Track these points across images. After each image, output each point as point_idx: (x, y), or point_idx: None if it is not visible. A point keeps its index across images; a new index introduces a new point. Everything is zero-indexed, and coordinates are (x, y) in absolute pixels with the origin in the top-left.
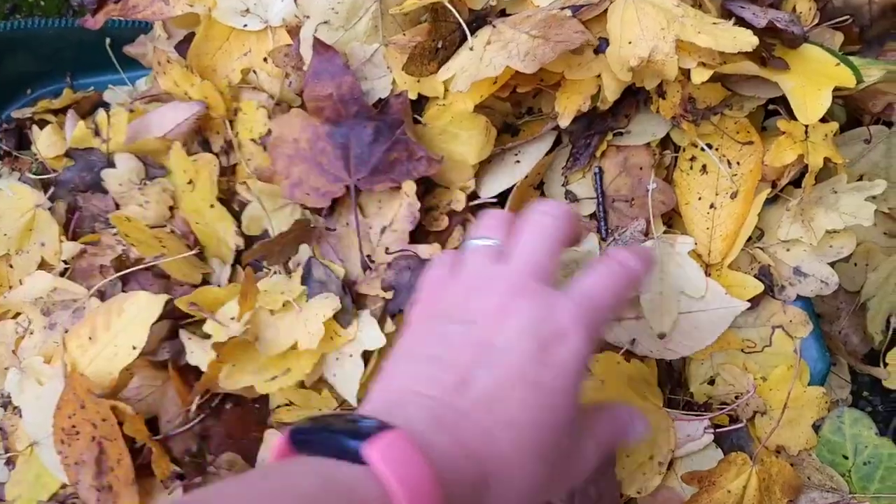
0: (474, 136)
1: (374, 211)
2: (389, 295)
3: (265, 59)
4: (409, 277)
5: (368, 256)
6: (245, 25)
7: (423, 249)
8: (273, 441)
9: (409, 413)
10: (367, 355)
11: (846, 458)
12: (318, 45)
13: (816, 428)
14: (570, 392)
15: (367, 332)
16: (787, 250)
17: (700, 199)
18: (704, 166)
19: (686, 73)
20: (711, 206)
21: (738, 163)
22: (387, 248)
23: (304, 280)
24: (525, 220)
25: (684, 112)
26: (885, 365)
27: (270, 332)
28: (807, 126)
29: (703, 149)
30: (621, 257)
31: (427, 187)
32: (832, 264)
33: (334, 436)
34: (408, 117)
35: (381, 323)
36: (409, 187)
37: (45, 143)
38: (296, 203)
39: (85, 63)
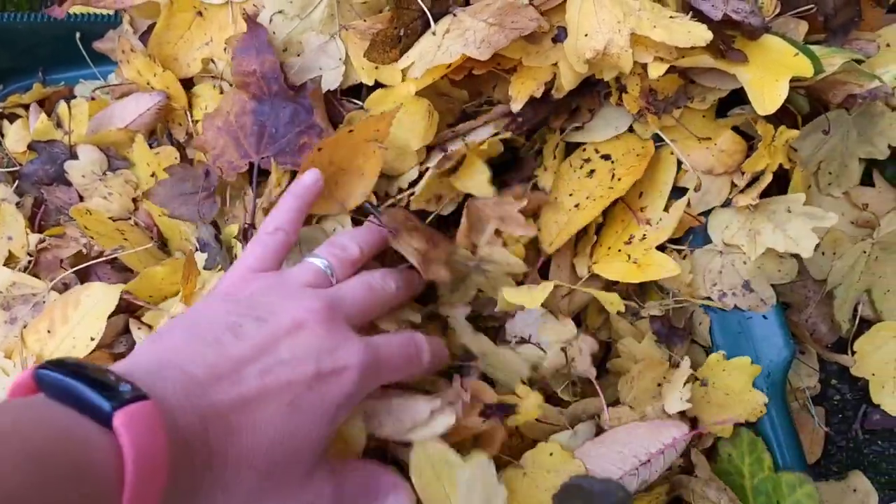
0: (417, 122)
1: (271, 190)
2: None
3: (225, 49)
4: None
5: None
6: None
7: None
8: (17, 375)
9: (168, 387)
10: None
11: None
12: (249, 21)
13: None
14: (323, 424)
15: None
16: (744, 263)
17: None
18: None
19: (645, 66)
20: None
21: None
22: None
23: (202, 246)
24: (368, 272)
25: (647, 104)
26: (853, 353)
27: None
28: (774, 132)
29: (667, 142)
30: (419, 341)
31: None
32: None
33: (86, 389)
34: (319, 101)
35: None
36: (275, 169)
37: (14, 137)
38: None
39: (58, 58)
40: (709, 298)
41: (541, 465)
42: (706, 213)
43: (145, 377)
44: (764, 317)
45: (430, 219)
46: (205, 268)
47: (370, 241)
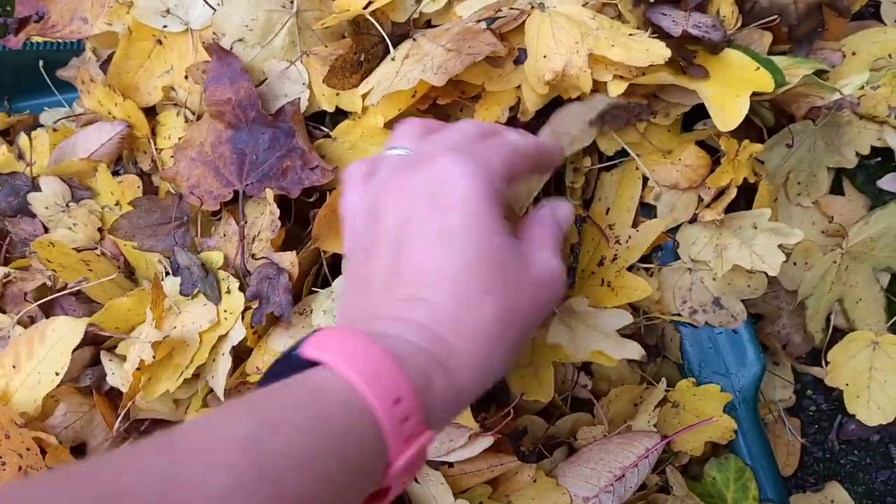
0: None
1: (255, 217)
2: (255, 304)
3: (186, 77)
4: (267, 287)
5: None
6: (165, 27)
7: (283, 257)
8: None
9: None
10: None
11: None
12: (218, 50)
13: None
14: (482, 223)
15: (236, 328)
16: (714, 279)
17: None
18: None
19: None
20: None
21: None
22: (253, 255)
23: (175, 271)
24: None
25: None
26: (827, 363)
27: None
28: (738, 148)
29: (633, 157)
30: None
31: None
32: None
33: (280, 360)
34: (300, 125)
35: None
36: (270, 195)
37: None
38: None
39: (22, 87)
40: (679, 315)
41: (524, 493)
42: (674, 230)
43: None
44: (734, 332)
45: None
46: (181, 293)
47: (424, 126)
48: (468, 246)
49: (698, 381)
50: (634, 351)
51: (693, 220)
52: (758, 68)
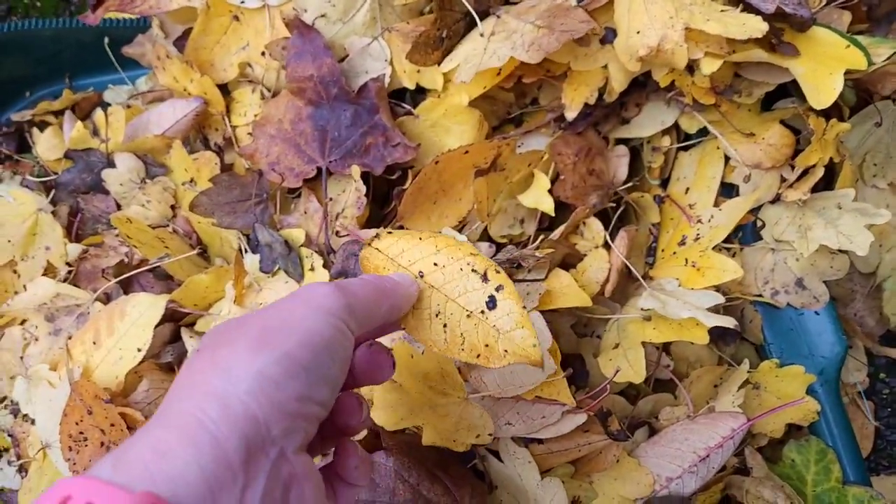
0: (467, 131)
1: (337, 194)
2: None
3: (263, 53)
4: (353, 264)
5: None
6: (242, 2)
7: (370, 234)
8: None
9: None
10: None
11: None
12: (300, 25)
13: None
14: None
15: None
16: (797, 260)
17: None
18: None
19: (692, 63)
20: None
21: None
22: (337, 232)
23: (254, 248)
24: None
25: (716, 93)
26: None
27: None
28: (826, 127)
29: (716, 135)
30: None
31: None
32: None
33: None
34: (383, 101)
35: None
36: (356, 172)
37: (45, 145)
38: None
39: (84, 64)
40: (760, 296)
41: (607, 474)
42: (756, 210)
43: None
44: (816, 313)
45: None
46: (262, 270)
47: None
48: None
49: (780, 363)
50: (729, 321)
51: (775, 199)
52: (848, 46)
